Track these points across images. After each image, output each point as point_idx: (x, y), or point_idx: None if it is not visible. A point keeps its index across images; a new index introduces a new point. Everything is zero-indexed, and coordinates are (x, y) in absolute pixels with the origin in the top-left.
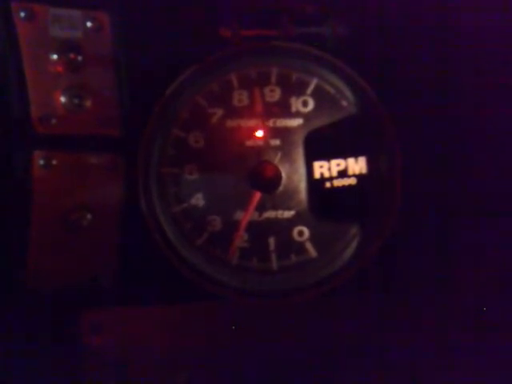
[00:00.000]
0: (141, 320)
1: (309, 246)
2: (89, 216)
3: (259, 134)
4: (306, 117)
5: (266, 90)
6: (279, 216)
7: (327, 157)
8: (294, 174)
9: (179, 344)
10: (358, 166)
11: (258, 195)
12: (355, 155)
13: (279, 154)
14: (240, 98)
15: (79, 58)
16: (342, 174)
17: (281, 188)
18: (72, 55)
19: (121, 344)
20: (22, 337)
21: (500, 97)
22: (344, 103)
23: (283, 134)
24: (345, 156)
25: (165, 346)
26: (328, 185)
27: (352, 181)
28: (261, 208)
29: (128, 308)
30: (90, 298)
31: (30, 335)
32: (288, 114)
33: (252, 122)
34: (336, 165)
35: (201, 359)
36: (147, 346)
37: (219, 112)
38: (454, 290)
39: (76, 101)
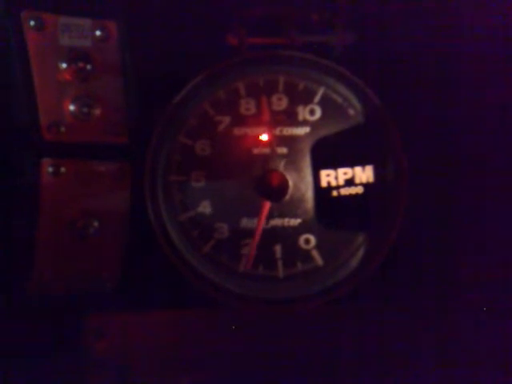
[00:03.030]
0: (145, 325)
1: (315, 254)
2: (96, 223)
3: (264, 137)
4: (313, 125)
5: (274, 99)
6: (286, 224)
7: (334, 165)
8: (301, 183)
9: (182, 350)
10: (364, 174)
11: (267, 205)
12: (362, 164)
13: (283, 162)
14: (247, 106)
15: (88, 66)
16: (349, 182)
17: (288, 196)
18: (81, 64)
19: (124, 349)
20: (26, 342)
21: (505, 100)
22: (351, 112)
23: (290, 142)
24: (352, 165)
25: (168, 351)
26: (335, 193)
27: (359, 189)
28: (268, 216)
29: (132, 314)
30: (95, 303)
31: (33, 340)
32: (295, 122)
33: (259, 130)
34: (343, 173)
35: (203, 365)
36: (150, 351)
37: (226, 120)
38: (457, 296)
39: (85, 109)
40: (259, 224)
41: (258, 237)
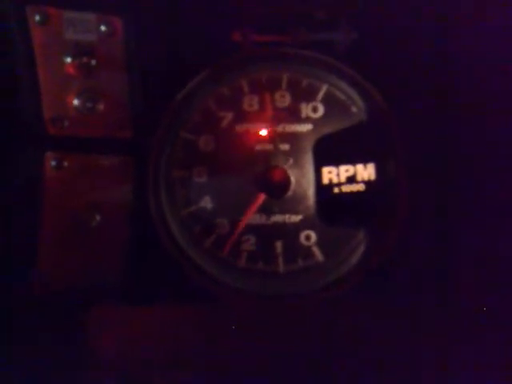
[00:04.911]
0: (146, 320)
1: (316, 250)
2: (98, 217)
3: (263, 132)
4: (316, 122)
5: (277, 96)
6: (287, 220)
7: (336, 162)
8: (303, 179)
9: (182, 345)
10: (366, 172)
11: (261, 197)
12: (364, 161)
13: (291, 160)
14: (250, 102)
15: (93, 61)
16: (351, 179)
17: (289, 193)
18: (85, 59)
19: (124, 343)
20: (27, 335)
21: (508, 99)
22: (354, 109)
23: (292, 139)
24: (353, 162)
25: (168, 346)
26: (336, 190)
27: (360, 187)
28: (268, 212)
29: (134, 308)
30: (97, 297)
31: (34, 334)
32: (298, 119)
33: (262, 127)
34: (345, 171)
35: (203, 361)
36: (151, 345)
37: (229, 116)
38: (455, 294)
39: (89, 104)
40: (248, 213)
41: (243, 224)
